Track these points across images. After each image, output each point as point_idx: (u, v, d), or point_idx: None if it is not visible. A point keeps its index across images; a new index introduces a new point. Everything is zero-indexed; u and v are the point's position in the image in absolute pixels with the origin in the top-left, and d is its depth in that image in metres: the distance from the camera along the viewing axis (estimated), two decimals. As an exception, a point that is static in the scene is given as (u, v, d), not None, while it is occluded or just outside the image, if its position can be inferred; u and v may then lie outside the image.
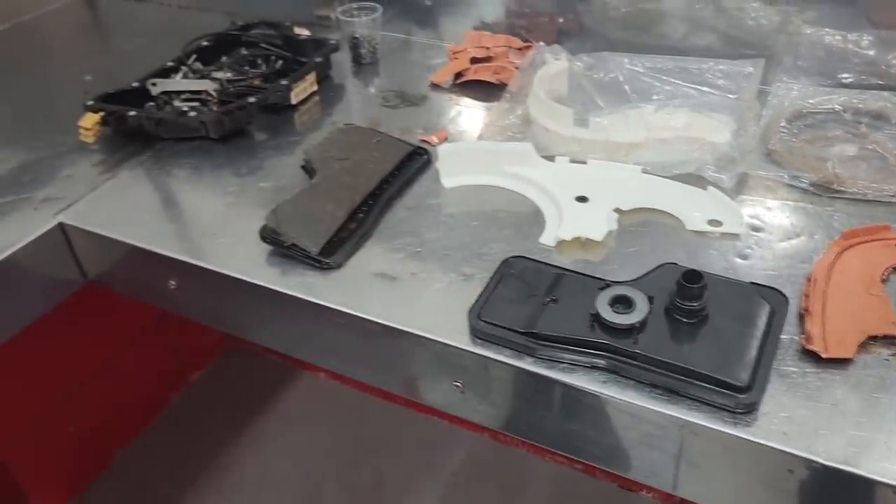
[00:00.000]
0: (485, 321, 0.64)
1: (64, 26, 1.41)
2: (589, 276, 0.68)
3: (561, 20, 1.16)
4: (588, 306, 0.63)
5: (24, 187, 0.89)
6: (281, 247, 0.75)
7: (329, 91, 1.09)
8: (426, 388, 0.72)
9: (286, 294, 0.72)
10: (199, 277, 0.77)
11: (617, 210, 0.78)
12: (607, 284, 0.65)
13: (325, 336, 0.74)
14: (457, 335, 0.66)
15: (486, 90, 1.04)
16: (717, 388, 0.57)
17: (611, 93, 0.94)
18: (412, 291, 0.71)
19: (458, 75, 1.07)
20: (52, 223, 0.84)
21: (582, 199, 0.79)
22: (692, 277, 0.61)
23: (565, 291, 0.66)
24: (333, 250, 0.75)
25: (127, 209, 0.85)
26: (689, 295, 0.61)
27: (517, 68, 1.04)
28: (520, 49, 1.10)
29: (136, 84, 1.01)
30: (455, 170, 0.86)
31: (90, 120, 0.93)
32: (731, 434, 0.56)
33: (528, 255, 0.71)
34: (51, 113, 1.06)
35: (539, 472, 1.56)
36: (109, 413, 1.56)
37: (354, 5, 1.13)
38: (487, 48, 1.08)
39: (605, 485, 1.44)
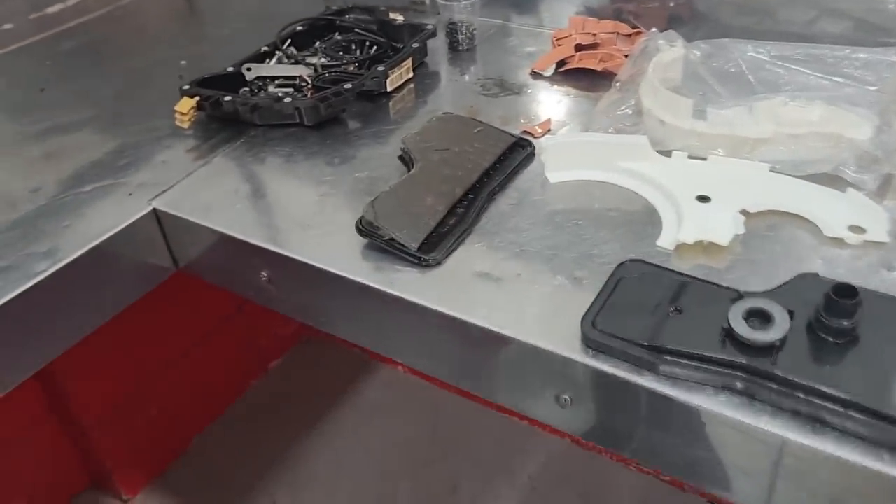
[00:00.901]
0: (600, 330, 0.59)
1: (160, 11, 1.42)
2: (718, 285, 0.61)
3: (672, 4, 1.08)
4: (719, 319, 0.56)
5: (119, 172, 0.88)
6: (378, 241, 0.71)
7: (425, 78, 1.04)
8: (526, 398, 0.67)
9: (382, 291, 0.68)
10: (291, 270, 0.74)
11: (743, 212, 0.71)
12: (740, 295, 0.58)
13: (419, 336, 0.70)
14: (567, 344, 0.60)
15: (591, 79, 0.98)
16: (874, 421, 0.50)
17: (732, 83, 0.86)
18: (517, 294, 0.66)
19: (561, 63, 1.01)
20: (147, 209, 0.82)
21: (703, 198, 0.72)
22: (844, 291, 0.53)
23: (691, 301, 0.60)
24: (433, 246, 0.70)
25: (220, 196, 0.83)
26: (839, 311, 0.54)
27: (626, 56, 0.97)
28: (628, 35, 1.03)
29: (230, 69, 0.99)
30: (561, 163, 0.80)
31: (186, 104, 0.91)
32: (892, 476, 0.49)
33: (646, 259, 0.65)
34: (147, 97, 1.05)
35: (623, 481, 1.49)
36: (189, 398, 1.57)
37: (453, -11, 1.08)
38: (593, 34, 1.02)
39: (693, 499, 1.36)
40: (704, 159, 0.78)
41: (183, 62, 1.15)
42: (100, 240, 0.78)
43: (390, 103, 0.99)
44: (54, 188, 0.86)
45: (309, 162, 0.88)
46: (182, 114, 0.91)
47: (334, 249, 0.73)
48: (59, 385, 1.32)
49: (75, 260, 0.76)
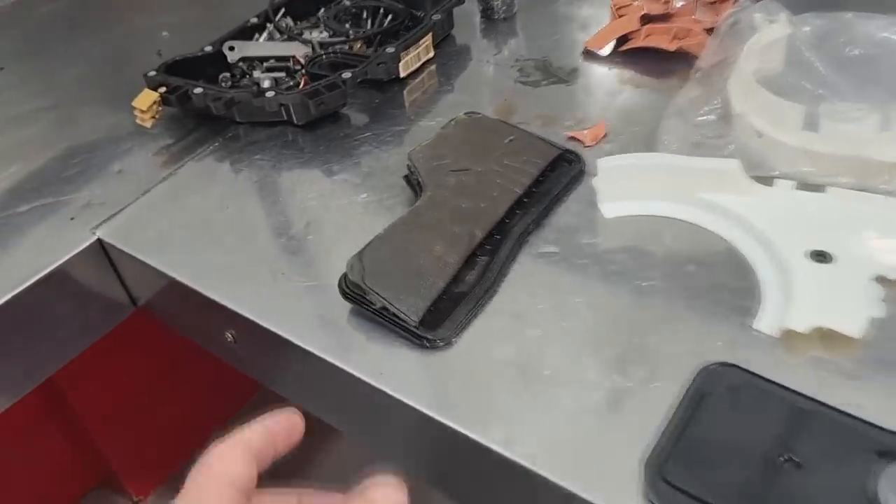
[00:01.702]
0: (673, 485, 0.40)
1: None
2: (859, 419, 0.41)
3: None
4: (859, 482, 0.37)
5: (64, 186, 0.71)
6: (367, 308, 0.52)
7: (449, 57, 0.84)
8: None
9: (366, 382, 0.50)
10: (260, 336, 0.56)
11: (880, 279, 0.50)
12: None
13: (417, 444, 0.52)
14: (619, 496, 0.41)
15: (662, 62, 0.76)
16: None
17: (856, 75, 0.64)
18: (549, 399, 0.47)
19: (623, 39, 0.79)
20: (90, 240, 0.65)
21: (820, 255, 0.52)
22: None
23: (815, 445, 0.40)
24: (440, 318, 0.52)
25: (181, 224, 0.65)
26: None
27: (707, 31, 0.75)
28: (711, 2, 0.80)
29: (209, 48, 0.80)
30: (621, 192, 0.60)
31: (146, 100, 0.73)
32: None
33: (741, 365, 0.45)
34: (115, 80, 0.87)
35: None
36: (201, 398, 1.45)
37: (488, -58, 0.86)
38: (665, 2, 0.79)
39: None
40: (822, 191, 0.57)
41: (165, 33, 0.96)
42: (23, 287, 0.61)
43: (405, 92, 0.79)
44: (-19, 207, 0.70)
45: (298, 175, 0.69)
46: (142, 111, 0.73)
47: (314, 311, 0.55)
48: (57, 391, 1.21)
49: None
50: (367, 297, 0.52)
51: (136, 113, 0.74)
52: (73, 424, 1.25)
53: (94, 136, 0.77)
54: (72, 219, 0.67)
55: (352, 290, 0.53)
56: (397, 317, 0.51)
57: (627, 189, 0.59)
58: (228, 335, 0.60)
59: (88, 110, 0.83)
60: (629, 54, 0.78)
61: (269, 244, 0.62)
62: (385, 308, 0.51)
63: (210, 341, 0.63)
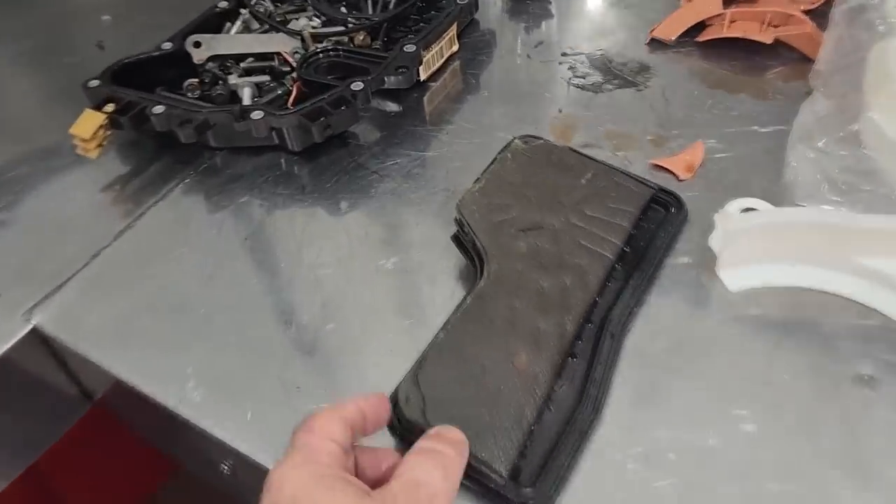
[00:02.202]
0: None
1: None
2: None
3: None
4: None
5: (-18, 248, 0.53)
6: (430, 457, 0.37)
7: (476, 50, 0.67)
8: None
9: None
10: (265, 473, 0.40)
11: None
12: None
13: None
14: None
15: (754, 56, 0.60)
16: None
17: None
18: None
19: (701, 26, 0.63)
20: (25, 328, 0.48)
21: None
22: None
23: None
24: (532, 467, 0.36)
25: (145, 306, 0.48)
26: None
27: (808, 14, 0.59)
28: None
29: (168, 45, 0.61)
30: (745, 255, 0.44)
31: (90, 124, 0.54)
32: None
33: None
34: (48, 83, 0.68)
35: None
36: None
37: None
38: (751, -23, 0.63)
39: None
40: None
41: (106, 17, 0.76)
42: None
43: (425, 99, 0.62)
44: None
45: (301, 226, 0.52)
46: (84, 140, 0.54)
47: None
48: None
49: None
50: (431, 443, 0.36)
51: (78, 143, 0.55)
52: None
53: (14, 171, 0.59)
54: (-2, 297, 0.50)
55: (408, 430, 0.37)
56: (477, 470, 0.36)
57: (758, 252, 0.44)
58: (224, 467, 0.44)
59: (36, 126, 0.63)
60: (709, 46, 0.62)
61: (274, 338, 0.45)
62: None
63: (202, 469, 0.47)
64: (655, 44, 0.63)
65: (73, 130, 0.54)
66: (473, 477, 0.36)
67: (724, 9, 0.61)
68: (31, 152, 0.60)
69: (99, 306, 0.48)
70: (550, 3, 0.72)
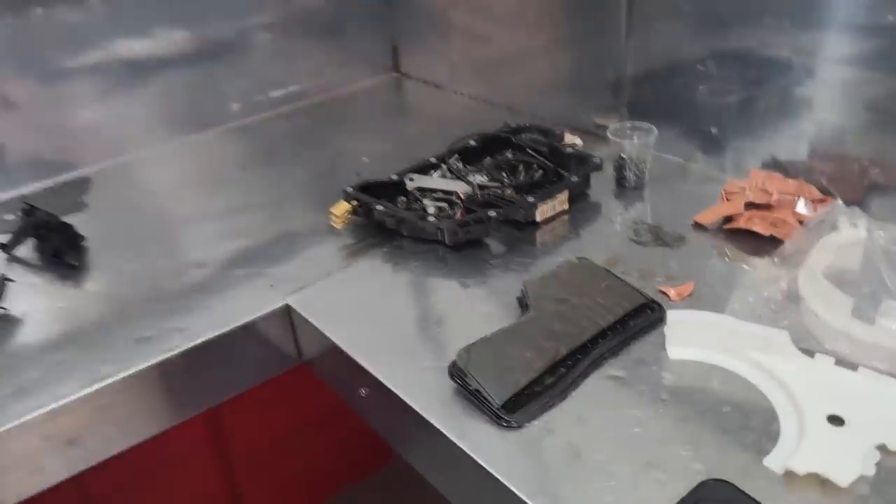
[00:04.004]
0: (657, 558, 0.52)
1: (369, 104, 1.53)
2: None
3: (877, 171, 0.96)
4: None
5: (270, 261, 0.96)
6: (465, 389, 0.69)
7: (582, 211, 1.02)
8: None
9: (452, 441, 0.66)
10: (383, 394, 0.75)
11: (882, 448, 0.60)
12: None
13: (484, 497, 0.67)
14: (621, 561, 0.54)
15: (756, 243, 0.90)
16: None
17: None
18: (591, 480, 0.61)
19: (729, 218, 0.94)
20: (281, 303, 0.88)
21: (836, 419, 0.62)
22: None
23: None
24: (518, 405, 0.68)
25: (347, 304, 0.86)
26: None
27: (801, 224, 0.88)
28: (814, 201, 0.93)
29: (394, 177, 1.04)
30: (686, 339, 0.73)
31: (341, 208, 0.98)
32: None
33: (736, 484, 0.57)
34: (322, 189, 1.13)
35: None
36: (337, 455, 1.62)
37: (628, 124, 1.06)
38: (770, 193, 0.94)
39: None
40: (855, 370, 0.68)
41: (365, 159, 1.23)
42: (232, 326, 0.84)
43: (538, 233, 0.98)
44: (214, 267, 0.96)
45: (440, 282, 0.89)
46: (336, 216, 0.97)
47: (429, 385, 0.73)
48: (218, 422, 1.44)
49: (205, 342, 0.83)
50: (466, 380, 0.69)
51: (332, 216, 0.98)
52: (223, 456, 1.47)
53: (297, 229, 1.03)
54: (271, 286, 0.91)
55: (457, 373, 0.70)
56: (486, 399, 0.68)
57: (693, 337, 0.73)
58: (363, 391, 0.79)
59: (298, 208, 1.09)
60: (731, 232, 0.92)
61: (408, 329, 0.81)
62: (478, 391, 0.68)
63: (349, 395, 0.82)
64: (697, 225, 0.95)
65: (332, 209, 0.97)
66: (484, 403, 0.67)
67: (745, 210, 0.92)
68: (308, 221, 1.04)
69: (327, 298, 0.87)
70: (644, 192, 1.06)
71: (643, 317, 0.78)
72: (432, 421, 0.69)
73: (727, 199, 0.96)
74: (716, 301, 0.80)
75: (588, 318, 0.76)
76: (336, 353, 0.81)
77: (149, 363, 0.80)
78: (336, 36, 1.53)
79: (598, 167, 1.04)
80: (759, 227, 0.90)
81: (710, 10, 1.04)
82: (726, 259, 0.88)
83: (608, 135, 1.05)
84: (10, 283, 0.92)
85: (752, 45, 1.01)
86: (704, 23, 1.06)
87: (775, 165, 1.02)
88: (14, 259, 1.02)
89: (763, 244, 0.89)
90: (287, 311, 0.88)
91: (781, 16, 0.97)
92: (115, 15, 1.25)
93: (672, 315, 0.75)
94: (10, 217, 1.12)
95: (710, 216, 0.94)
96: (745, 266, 0.86)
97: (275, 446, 1.48)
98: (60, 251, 0.97)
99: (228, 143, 1.37)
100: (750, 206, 0.93)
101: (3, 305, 0.90)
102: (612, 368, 0.73)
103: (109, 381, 0.77)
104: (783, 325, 0.73)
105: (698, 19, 1.07)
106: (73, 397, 0.76)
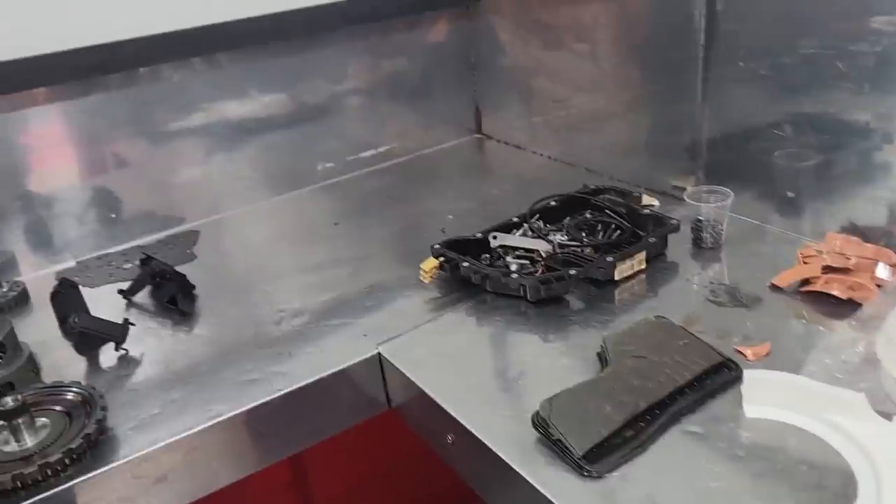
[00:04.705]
0: None
1: (453, 163, 1.62)
2: None
3: (957, 235, 0.97)
4: None
5: (362, 312, 1.03)
6: (547, 438, 0.74)
7: (659, 271, 1.06)
8: None
9: (536, 489, 0.70)
10: (469, 441, 0.79)
11: (961, 512, 0.61)
12: None
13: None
14: None
15: (834, 305, 0.91)
16: None
17: None
18: (667, 533, 0.64)
19: (806, 281, 0.96)
20: (373, 352, 0.94)
21: (915, 482, 0.64)
22: None
23: None
24: (599, 456, 0.71)
25: (435, 354, 0.92)
26: None
27: (879, 287, 0.89)
28: (892, 266, 0.94)
29: (479, 235, 1.10)
30: (763, 398, 0.76)
31: (430, 263, 1.04)
32: None
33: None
34: (409, 244, 1.21)
35: None
36: (415, 501, 1.66)
37: (704, 188, 1.09)
38: (848, 258, 0.95)
39: None
40: (934, 434, 0.69)
41: (450, 216, 1.30)
42: (329, 372, 0.91)
43: (616, 291, 1.02)
44: (310, 316, 1.04)
45: (522, 336, 0.94)
46: (425, 271, 1.04)
47: (511, 433, 0.77)
48: (303, 465, 1.50)
49: (305, 385, 0.90)
50: (549, 430, 0.73)
51: (421, 271, 1.05)
52: (305, 500, 1.53)
53: (387, 282, 1.10)
54: (364, 335, 0.98)
55: (540, 423, 0.75)
56: (568, 448, 0.72)
57: (769, 397, 0.76)
58: (450, 437, 0.84)
59: (386, 261, 1.16)
60: (809, 294, 0.94)
61: (492, 380, 0.86)
62: (560, 440, 0.72)
63: (436, 441, 0.87)
64: (774, 287, 0.97)
65: (421, 265, 1.04)
66: (565, 452, 0.72)
67: (822, 274, 0.94)
68: (396, 275, 1.11)
69: (416, 348, 0.93)
70: (721, 253, 1.09)
71: (720, 375, 0.81)
72: (516, 468, 0.73)
73: (804, 262, 0.98)
74: (792, 362, 0.82)
75: (666, 375, 0.79)
76: (425, 401, 0.86)
77: (255, 403, 0.87)
78: (422, 99, 1.63)
79: (676, 229, 1.07)
80: (837, 291, 0.91)
81: (785, 75, 1.08)
82: (803, 321, 0.90)
83: (685, 198, 1.09)
84: (130, 327, 1.02)
85: (829, 110, 1.05)
86: (780, 87, 1.10)
87: (853, 229, 1.04)
88: (132, 304, 1.12)
89: (840, 307, 0.90)
90: (378, 359, 0.95)
91: (860, 81, 1.00)
92: (218, 79, 1.38)
93: (749, 374, 0.78)
94: (128, 265, 1.24)
95: (787, 278, 0.97)
96: (821, 328, 0.88)
97: (356, 491, 1.53)
98: (175, 299, 1.07)
99: (321, 200, 1.47)
100: (827, 269, 0.95)
101: (125, 347, 0.99)
102: (690, 424, 0.76)
103: (221, 418, 0.85)
104: (860, 388, 0.75)
105: (774, 84, 1.10)
106: (187, 433, 0.83)
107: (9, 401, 0.80)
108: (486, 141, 1.70)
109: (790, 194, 1.10)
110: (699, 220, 1.08)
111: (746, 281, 1.00)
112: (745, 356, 0.84)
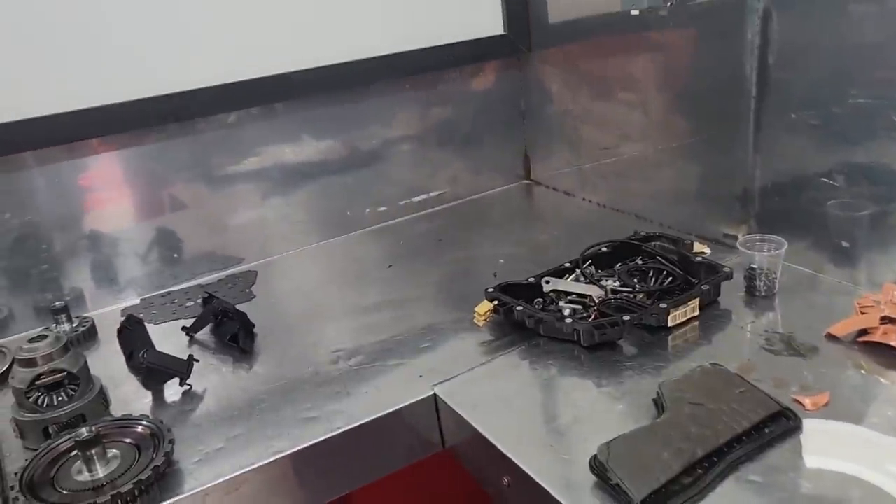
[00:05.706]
0: None
1: (502, 208, 1.64)
2: None
3: None
4: None
5: (418, 353, 1.05)
6: (605, 482, 0.74)
7: (712, 318, 1.06)
8: None
9: (596, 534, 0.71)
10: (526, 483, 0.80)
11: None
12: None
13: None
14: None
15: (893, 356, 0.91)
16: None
17: None
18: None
19: (863, 332, 0.95)
20: (429, 393, 0.96)
21: (984, 539, 0.63)
22: None
23: None
24: (656, 502, 0.72)
25: (489, 396, 0.94)
26: None
27: (940, 339, 0.89)
28: (951, 316, 0.93)
29: (532, 279, 1.12)
30: (824, 449, 0.76)
31: (484, 307, 1.06)
32: None
33: None
34: (462, 288, 1.23)
35: None
36: None
37: (757, 236, 1.10)
38: (906, 309, 0.95)
39: None
40: None
41: (501, 260, 1.33)
42: (386, 411, 0.93)
43: (669, 338, 1.03)
44: (367, 356, 1.06)
45: (576, 381, 0.95)
46: (479, 314, 1.06)
47: (569, 475, 0.78)
48: (352, 500, 1.51)
49: (363, 424, 0.92)
50: (607, 474, 0.74)
51: (475, 314, 1.07)
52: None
53: (442, 325, 1.12)
54: (420, 376, 1.00)
55: (598, 467, 0.75)
56: (625, 493, 0.72)
57: (830, 447, 0.75)
58: (505, 480, 0.85)
59: (440, 304, 1.19)
60: (866, 345, 0.94)
61: (547, 423, 0.87)
62: (618, 484, 0.73)
63: (491, 483, 0.88)
64: (830, 337, 0.97)
65: (476, 308, 1.06)
66: (623, 497, 0.72)
67: (881, 324, 0.94)
68: (449, 317, 1.13)
69: (471, 390, 0.95)
70: (774, 301, 1.09)
71: (779, 424, 0.81)
72: (574, 511, 0.74)
73: (861, 312, 0.98)
74: (852, 413, 0.82)
75: (724, 423, 0.80)
76: (481, 442, 0.88)
77: (315, 440, 0.89)
78: (472, 145, 1.67)
79: (729, 276, 1.08)
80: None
81: (836, 125, 1.09)
82: (862, 371, 0.90)
83: (738, 246, 1.10)
84: (195, 363, 1.06)
85: (882, 160, 1.05)
86: (832, 137, 1.11)
87: (911, 280, 1.03)
88: (194, 341, 1.16)
89: (900, 358, 0.90)
90: (434, 400, 0.96)
91: (912, 131, 1.01)
92: (274, 126, 1.43)
93: (809, 424, 0.77)
94: (190, 303, 1.29)
95: (844, 328, 0.96)
96: (882, 380, 0.88)
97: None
98: (237, 336, 1.10)
99: (372, 243, 1.51)
100: (886, 319, 0.94)
101: (189, 382, 1.03)
102: (749, 473, 0.76)
103: (282, 454, 0.87)
104: (926, 440, 0.74)
105: (825, 133, 1.11)
106: (250, 468, 0.86)
107: (84, 432, 0.83)
108: (535, 187, 1.73)
109: (845, 244, 1.10)
110: (752, 269, 1.09)
111: (802, 330, 1.00)
112: (804, 406, 0.84)
